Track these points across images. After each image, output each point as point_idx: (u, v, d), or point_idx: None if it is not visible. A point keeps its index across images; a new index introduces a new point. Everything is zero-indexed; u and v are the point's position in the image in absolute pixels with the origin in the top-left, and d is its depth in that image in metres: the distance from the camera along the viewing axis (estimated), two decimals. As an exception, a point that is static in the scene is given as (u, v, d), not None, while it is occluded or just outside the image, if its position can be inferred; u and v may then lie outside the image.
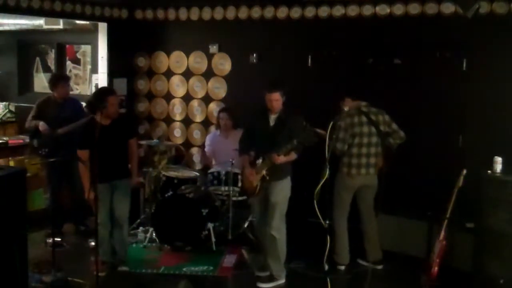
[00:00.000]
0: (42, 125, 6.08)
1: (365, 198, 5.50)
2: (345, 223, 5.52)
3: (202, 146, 7.17)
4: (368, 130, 5.36)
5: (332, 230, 5.41)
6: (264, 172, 4.89)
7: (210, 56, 7.35)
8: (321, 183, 4.74)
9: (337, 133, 5.21)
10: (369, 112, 5.40)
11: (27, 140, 6.99)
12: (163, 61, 7.68)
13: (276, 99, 4.86)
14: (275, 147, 4.78)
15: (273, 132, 4.92)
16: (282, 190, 5.02)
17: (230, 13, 7.06)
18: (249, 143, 5.11)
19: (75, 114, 6.02)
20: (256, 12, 6.91)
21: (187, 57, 7.51)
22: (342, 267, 5.50)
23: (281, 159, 4.80)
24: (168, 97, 7.73)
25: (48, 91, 8.38)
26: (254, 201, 5.16)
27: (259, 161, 4.92)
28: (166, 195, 5.99)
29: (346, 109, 5.27)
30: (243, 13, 6.99)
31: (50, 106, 6.19)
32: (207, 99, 7.47)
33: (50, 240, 5.52)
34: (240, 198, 6.13)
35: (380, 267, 5.48)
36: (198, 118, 7.57)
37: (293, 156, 4.87)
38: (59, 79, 6.38)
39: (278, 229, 5.00)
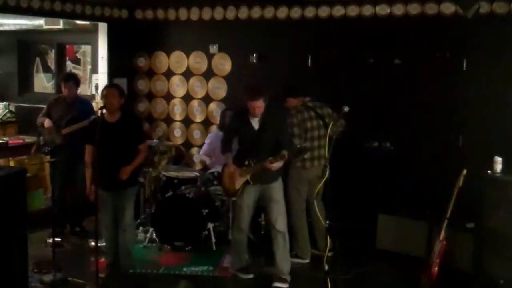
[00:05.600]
0: (47, 122, 6.10)
1: (313, 189, 5.48)
2: (305, 217, 5.62)
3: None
4: (317, 124, 5.55)
5: (292, 225, 5.53)
6: (248, 176, 4.90)
7: (210, 56, 7.36)
8: (322, 182, 4.74)
9: (291, 130, 5.36)
10: (314, 106, 5.60)
11: (27, 140, 7.00)
12: (163, 61, 7.69)
13: (259, 106, 4.87)
14: (262, 152, 4.82)
15: (260, 135, 4.93)
16: (281, 189, 5.10)
17: (230, 13, 7.07)
18: (231, 142, 5.15)
19: (82, 115, 5.97)
20: (256, 12, 6.92)
21: (187, 57, 7.51)
22: (306, 261, 5.60)
23: (276, 165, 4.78)
24: (168, 97, 7.73)
25: (48, 91, 8.47)
26: (243, 205, 5.06)
27: (247, 164, 4.90)
28: (166, 195, 5.98)
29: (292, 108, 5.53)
30: (243, 13, 6.99)
31: (59, 105, 6.19)
32: (207, 99, 7.47)
33: (50, 240, 5.52)
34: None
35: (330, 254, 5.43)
36: (198, 118, 7.57)
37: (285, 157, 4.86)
38: (61, 79, 6.39)
39: (284, 226, 5.06)
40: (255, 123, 4.96)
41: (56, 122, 6.09)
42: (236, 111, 5.19)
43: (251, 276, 5.22)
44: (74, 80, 6.25)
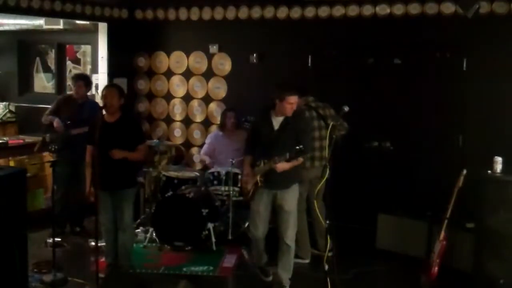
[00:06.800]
0: (57, 122, 6.09)
1: (313, 189, 5.43)
2: (305, 217, 5.59)
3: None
4: (318, 124, 5.51)
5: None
6: (258, 177, 4.78)
7: (210, 56, 7.35)
8: (322, 182, 4.74)
9: None
10: (317, 106, 5.57)
11: (27, 140, 7.00)
12: (163, 61, 7.69)
13: (295, 102, 4.67)
14: (278, 153, 4.61)
15: (278, 136, 4.74)
16: (294, 198, 4.91)
17: (230, 13, 7.07)
18: (252, 144, 4.97)
19: (92, 116, 5.96)
20: (256, 12, 6.92)
21: (187, 57, 7.51)
22: (306, 261, 5.60)
23: (284, 166, 4.62)
24: (168, 97, 7.73)
25: (48, 91, 8.47)
26: (254, 209, 4.93)
27: (258, 164, 4.80)
28: (166, 195, 5.99)
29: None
30: (243, 13, 6.99)
31: (69, 104, 6.20)
32: (207, 99, 7.47)
33: (50, 240, 5.52)
34: (240, 198, 6.12)
35: (330, 254, 5.40)
36: (198, 118, 7.57)
37: (299, 160, 4.69)
38: (73, 78, 6.44)
39: (292, 238, 4.91)
40: (276, 123, 4.77)
41: (64, 121, 6.09)
42: (260, 109, 4.95)
43: (269, 279, 5.13)
44: (84, 80, 6.26)
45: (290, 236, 4.88)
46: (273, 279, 5.03)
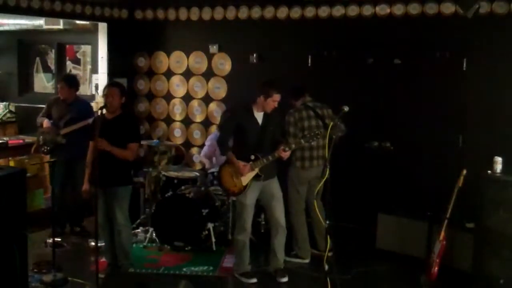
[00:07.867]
0: (46, 122, 6.13)
1: (313, 189, 5.49)
2: (304, 217, 5.65)
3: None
4: (316, 123, 5.53)
5: (291, 225, 5.58)
6: (257, 170, 4.96)
7: (210, 56, 7.36)
8: (322, 182, 4.74)
9: (287, 128, 5.44)
10: (314, 106, 5.60)
11: (27, 140, 7.01)
12: (163, 61, 7.69)
13: (278, 100, 5.00)
14: (267, 145, 4.98)
15: (264, 130, 5.04)
16: (279, 184, 5.21)
17: (230, 13, 7.07)
18: (228, 141, 5.13)
19: (81, 115, 5.98)
20: (256, 12, 6.92)
21: (187, 57, 7.51)
22: (306, 261, 5.62)
23: (288, 154, 4.96)
24: (168, 97, 7.74)
25: (48, 91, 8.47)
26: (247, 203, 5.06)
27: (253, 158, 4.95)
28: (166, 195, 5.99)
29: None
30: (243, 13, 6.99)
31: (58, 105, 6.20)
32: (207, 99, 7.48)
33: (50, 240, 5.52)
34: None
35: (330, 254, 5.41)
36: (198, 118, 7.57)
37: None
38: (59, 80, 6.42)
39: (284, 221, 5.18)
40: (259, 119, 5.05)
41: (55, 122, 6.11)
42: (237, 109, 5.23)
43: (254, 280, 5.16)
44: (66, 81, 6.18)
45: (284, 219, 5.20)
46: (272, 265, 5.21)
